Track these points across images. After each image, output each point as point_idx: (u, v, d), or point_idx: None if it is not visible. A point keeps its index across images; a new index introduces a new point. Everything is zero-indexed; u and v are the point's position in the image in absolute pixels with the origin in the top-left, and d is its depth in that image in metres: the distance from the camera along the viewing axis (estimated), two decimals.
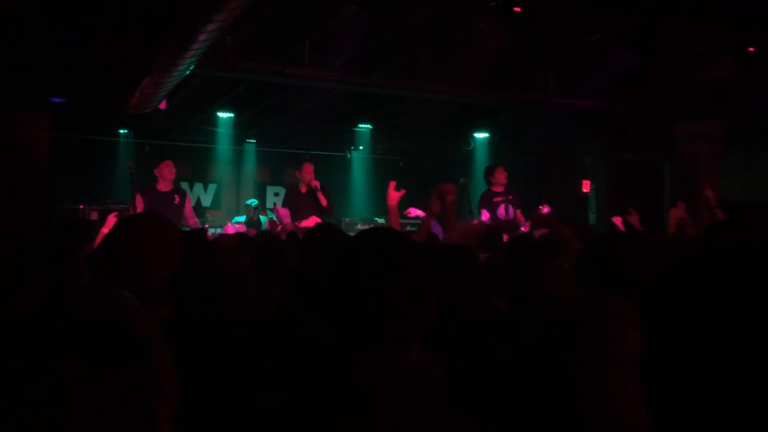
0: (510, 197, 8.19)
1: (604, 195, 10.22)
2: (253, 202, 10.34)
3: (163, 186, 7.24)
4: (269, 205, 12.84)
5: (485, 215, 8.05)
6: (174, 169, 7.27)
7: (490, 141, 11.31)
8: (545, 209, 7.64)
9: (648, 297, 1.03)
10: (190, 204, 7.46)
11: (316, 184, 8.03)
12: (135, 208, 6.80)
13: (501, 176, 8.16)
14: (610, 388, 1.16)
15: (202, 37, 4.82)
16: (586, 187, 9.94)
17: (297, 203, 7.97)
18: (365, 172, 12.85)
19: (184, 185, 12.31)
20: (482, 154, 11.39)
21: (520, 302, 2.47)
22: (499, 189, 8.19)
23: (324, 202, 7.97)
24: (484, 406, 1.69)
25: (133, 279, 1.87)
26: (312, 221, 6.89)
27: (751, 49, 5.93)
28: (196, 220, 7.55)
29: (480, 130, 11.08)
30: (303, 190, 8.13)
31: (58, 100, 8.53)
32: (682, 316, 0.93)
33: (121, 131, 10.90)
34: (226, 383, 2.09)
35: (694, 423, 0.88)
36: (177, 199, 7.18)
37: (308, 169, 8.13)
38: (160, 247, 1.96)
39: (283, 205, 8.03)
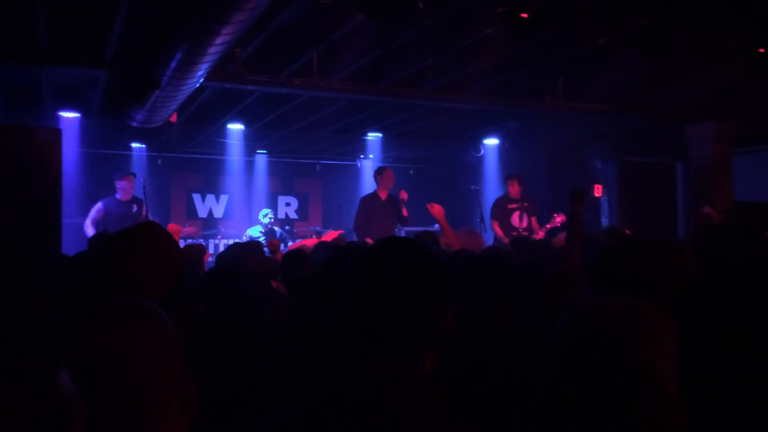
0: (525, 205, 8.21)
1: (616, 199, 10.16)
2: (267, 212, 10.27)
3: (123, 197, 7.96)
4: (281, 215, 12.87)
5: (496, 226, 8.06)
6: (129, 184, 8.02)
7: (501, 147, 11.29)
8: (560, 218, 7.62)
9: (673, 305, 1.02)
10: (146, 211, 8.07)
11: (404, 195, 7.88)
12: (96, 213, 7.80)
13: (514, 189, 8.20)
14: (668, 390, 1.12)
15: (211, 50, 4.85)
16: (597, 191, 9.90)
17: (374, 210, 7.85)
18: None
19: (197, 197, 12.42)
20: (493, 161, 11.37)
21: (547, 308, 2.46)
22: (515, 196, 8.22)
23: (405, 212, 7.85)
24: (514, 415, 1.67)
25: (135, 288, 1.89)
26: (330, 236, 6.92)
27: (762, 50, 5.89)
28: None
29: (490, 136, 11.07)
30: (383, 197, 7.97)
31: (69, 115, 8.62)
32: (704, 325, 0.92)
33: (134, 144, 10.99)
34: (241, 386, 2.09)
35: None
36: (135, 208, 7.93)
37: (392, 176, 8.05)
38: (160, 256, 1.99)
39: (359, 213, 7.95)
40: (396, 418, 1.16)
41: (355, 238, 8.84)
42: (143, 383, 1.08)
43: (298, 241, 8.16)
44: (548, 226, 7.71)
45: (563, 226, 7.46)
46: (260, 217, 9.56)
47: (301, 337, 2.31)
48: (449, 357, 1.47)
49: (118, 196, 7.95)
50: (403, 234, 10.45)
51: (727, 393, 0.90)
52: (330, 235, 7.12)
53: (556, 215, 7.72)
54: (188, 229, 8.51)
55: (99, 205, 7.87)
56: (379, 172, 8.09)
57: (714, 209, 6.08)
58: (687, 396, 1.02)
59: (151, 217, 7.99)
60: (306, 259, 4.04)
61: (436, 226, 5.72)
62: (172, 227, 6.66)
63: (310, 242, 7.11)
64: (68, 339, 1.09)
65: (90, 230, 7.66)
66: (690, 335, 1.02)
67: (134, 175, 8.25)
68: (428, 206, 5.51)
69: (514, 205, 8.21)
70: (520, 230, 8.04)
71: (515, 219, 8.16)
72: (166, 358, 1.13)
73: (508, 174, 8.64)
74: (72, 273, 2.68)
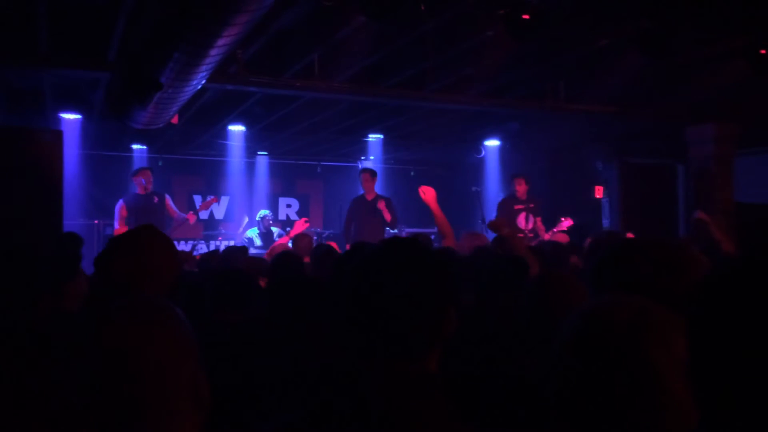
0: (531, 206, 8.17)
1: (617, 200, 10.15)
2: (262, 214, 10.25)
3: (140, 191, 7.99)
4: (281, 216, 12.88)
5: None
6: (144, 178, 8.01)
7: (502, 149, 11.29)
8: (567, 222, 7.60)
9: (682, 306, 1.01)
10: (170, 202, 8.20)
11: (381, 205, 8.10)
12: (119, 211, 7.81)
13: (521, 188, 8.17)
14: (674, 392, 1.12)
15: (213, 52, 4.85)
16: (599, 192, 9.89)
17: (358, 211, 8.15)
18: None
19: (197, 198, 12.42)
20: (494, 162, 11.37)
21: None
22: (521, 196, 8.19)
23: (388, 217, 8.08)
24: (512, 417, 1.67)
25: (135, 290, 1.90)
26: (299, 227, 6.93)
27: (763, 51, 5.88)
28: (179, 213, 8.25)
29: (491, 137, 11.07)
30: (368, 198, 8.22)
31: (70, 116, 8.63)
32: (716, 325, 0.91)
33: (135, 146, 10.99)
34: (240, 387, 2.09)
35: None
36: (156, 200, 7.96)
37: (368, 179, 8.32)
38: (160, 258, 1.99)
39: (346, 214, 8.32)
40: (396, 419, 1.16)
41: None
42: (155, 381, 1.08)
43: (276, 240, 8.17)
44: (555, 229, 7.67)
45: (569, 230, 7.45)
46: (257, 218, 9.61)
47: (300, 335, 2.31)
48: (451, 358, 1.46)
49: (135, 191, 8.05)
50: (404, 234, 10.43)
51: (729, 394, 0.90)
52: (297, 227, 7.12)
53: (563, 219, 7.69)
54: (212, 200, 8.62)
55: (120, 203, 7.95)
56: (358, 177, 8.44)
57: (708, 213, 6.06)
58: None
59: (173, 206, 8.21)
60: (295, 261, 4.07)
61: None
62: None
63: (285, 240, 7.16)
64: (82, 339, 1.09)
65: (118, 228, 7.74)
66: (694, 336, 1.01)
67: (150, 169, 8.36)
68: (420, 191, 5.12)
69: (520, 206, 8.16)
70: (526, 232, 7.98)
71: (521, 220, 8.11)
72: (179, 356, 1.13)
73: (515, 173, 8.56)
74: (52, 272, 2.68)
